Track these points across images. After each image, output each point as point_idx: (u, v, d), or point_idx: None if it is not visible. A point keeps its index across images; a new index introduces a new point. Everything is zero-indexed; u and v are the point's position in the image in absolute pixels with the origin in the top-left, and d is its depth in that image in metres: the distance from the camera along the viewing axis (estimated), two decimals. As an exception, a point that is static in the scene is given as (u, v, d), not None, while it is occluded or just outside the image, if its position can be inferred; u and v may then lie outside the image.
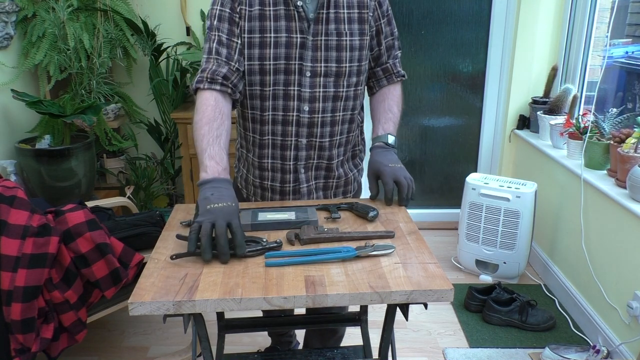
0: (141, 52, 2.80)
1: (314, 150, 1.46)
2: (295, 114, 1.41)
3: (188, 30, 2.91)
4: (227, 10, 1.36)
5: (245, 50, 1.37)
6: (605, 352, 2.01)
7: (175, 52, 2.88)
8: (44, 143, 2.37)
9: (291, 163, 1.47)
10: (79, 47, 2.45)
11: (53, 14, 2.43)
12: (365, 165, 1.65)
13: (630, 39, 2.90)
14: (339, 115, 1.45)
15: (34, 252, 1.59)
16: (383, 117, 1.50)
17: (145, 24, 2.73)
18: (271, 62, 1.37)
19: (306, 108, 1.41)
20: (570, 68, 2.83)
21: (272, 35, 1.36)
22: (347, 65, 1.40)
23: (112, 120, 2.76)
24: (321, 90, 1.40)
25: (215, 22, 1.37)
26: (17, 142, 2.38)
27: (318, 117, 1.42)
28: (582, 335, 2.29)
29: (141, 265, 1.87)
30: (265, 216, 1.30)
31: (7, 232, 1.58)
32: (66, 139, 2.42)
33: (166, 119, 2.91)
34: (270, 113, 1.42)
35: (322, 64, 1.38)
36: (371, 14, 1.42)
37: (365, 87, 1.56)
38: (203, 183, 1.19)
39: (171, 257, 1.12)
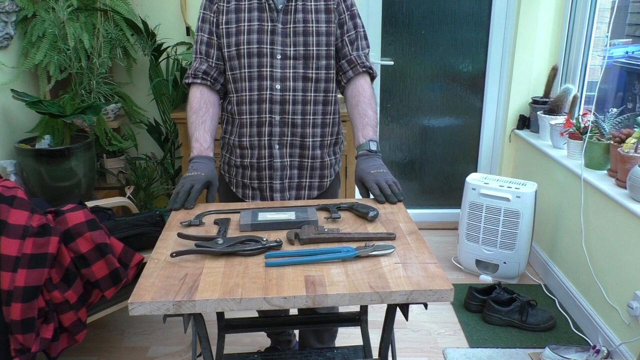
0: (141, 52, 2.80)
1: (287, 127, 1.58)
2: (268, 92, 1.55)
3: (188, 30, 2.91)
4: (208, 12, 1.58)
5: (225, 40, 1.56)
6: (605, 352, 2.01)
7: (175, 52, 2.88)
8: (44, 143, 2.37)
9: (265, 139, 1.59)
10: (79, 47, 2.45)
11: (53, 14, 2.43)
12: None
13: (630, 39, 2.89)
14: (310, 96, 1.57)
15: (34, 252, 1.59)
16: (360, 123, 1.57)
17: (145, 24, 2.73)
18: (245, 47, 1.53)
19: (278, 86, 1.54)
20: (570, 68, 2.83)
21: (246, 24, 1.54)
22: (315, 48, 1.54)
23: (112, 120, 2.76)
24: (291, 71, 1.54)
25: (199, 24, 1.61)
26: (17, 142, 2.38)
27: (289, 95, 1.55)
28: (582, 335, 2.29)
29: (141, 265, 1.87)
30: (265, 216, 1.30)
31: (7, 232, 1.58)
32: (66, 139, 2.42)
33: (166, 119, 2.91)
34: (247, 93, 1.57)
35: (292, 48, 1.54)
36: (335, 6, 1.57)
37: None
38: (189, 160, 1.51)
39: (171, 255, 1.13)
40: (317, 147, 1.62)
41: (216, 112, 1.61)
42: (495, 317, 2.38)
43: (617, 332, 2.09)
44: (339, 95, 1.68)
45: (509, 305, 2.37)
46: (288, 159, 1.61)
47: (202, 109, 1.58)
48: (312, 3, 1.55)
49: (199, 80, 1.59)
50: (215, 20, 1.57)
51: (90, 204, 1.96)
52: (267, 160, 1.60)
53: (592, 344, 2.09)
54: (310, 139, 1.60)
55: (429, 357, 2.19)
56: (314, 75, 1.56)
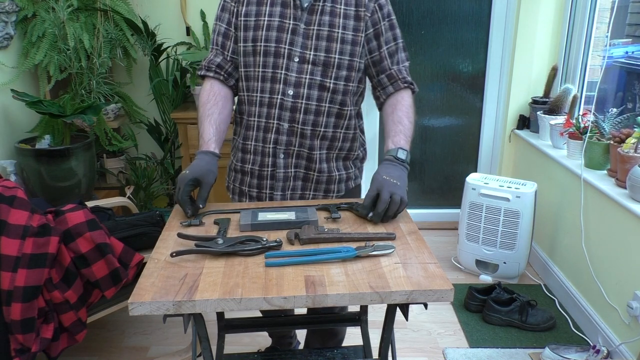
0: (141, 52, 2.80)
1: (295, 136, 1.48)
2: (279, 96, 1.45)
3: (188, 30, 2.91)
4: (228, 0, 1.49)
5: (242, 33, 1.46)
6: (605, 352, 2.01)
7: (175, 52, 2.88)
8: (44, 143, 2.37)
9: (271, 146, 1.49)
10: (79, 47, 2.45)
11: (53, 14, 2.43)
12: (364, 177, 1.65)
13: (630, 39, 2.90)
14: (325, 106, 1.46)
15: (34, 252, 1.59)
16: (393, 130, 1.45)
17: (145, 24, 2.73)
18: (262, 44, 1.43)
19: (290, 92, 1.44)
20: (570, 68, 2.83)
21: (266, 18, 1.43)
22: (337, 56, 1.43)
23: (112, 120, 2.76)
24: (308, 77, 1.44)
25: (219, 12, 1.51)
26: (17, 142, 2.38)
27: (301, 103, 1.45)
28: (582, 335, 2.29)
29: (141, 265, 1.87)
30: (265, 216, 1.30)
31: (7, 232, 1.58)
32: (66, 139, 2.42)
33: (166, 119, 2.91)
34: (258, 94, 1.48)
35: (312, 52, 1.43)
36: (369, 15, 1.45)
37: (364, 96, 1.57)
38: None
39: (171, 255, 1.13)
40: (324, 161, 1.52)
41: (226, 105, 1.51)
42: (495, 317, 2.38)
43: (617, 332, 2.09)
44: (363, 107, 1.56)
45: (509, 305, 2.37)
46: (293, 170, 1.51)
47: (209, 101, 1.49)
48: (342, 7, 1.43)
49: (211, 74, 1.51)
50: (235, 10, 1.47)
51: (90, 204, 1.96)
52: (269, 169, 1.51)
53: (592, 344, 2.09)
54: (318, 152, 1.50)
55: (429, 357, 2.19)
56: (331, 85, 1.45)
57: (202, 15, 2.89)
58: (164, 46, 2.81)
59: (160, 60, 2.82)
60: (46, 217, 1.68)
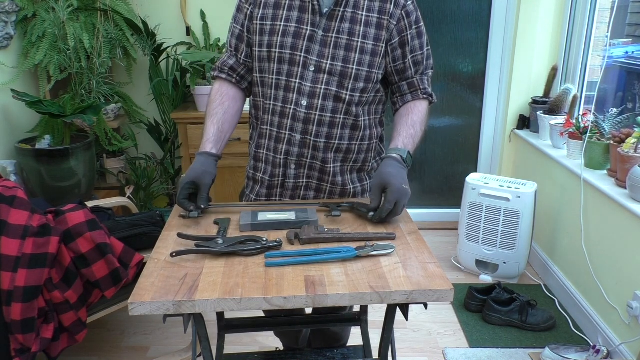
0: (141, 52, 2.80)
1: (307, 148, 1.43)
2: (292, 107, 1.40)
3: (188, 30, 2.91)
4: (244, 1, 1.45)
5: (257, 37, 1.41)
6: (605, 352, 2.01)
7: (175, 52, 2.88)
8: (44, 143, 2.37)
9: (282, 157, 1.44)
10: (79, 47, 2.45)
11: (53, 14, 2.43)
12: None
13: (630, 39, 2.89)
14: (339, 118, 1.41)
15: (34, 252, 1.59)
16: (405, 131, 1.42)
17: (145, 24, 2.73)
18: (277, 50, 1.38)
19: (304, 103, 1.38)
20: (570, 68, 2.83)
21: (283, 23, 1.38)
22: (354, 67, 1.37)
23: (112, 120, 2.76)
24: (323, 87, 1.38)
25: (235, 13, 1.47)
26: (17, 142, 2.38)
27: (315, 114, 1.39)
28: (582, 335, 2.29)
29: (141, 265, 1.87)
30: (265, 216, 1.30)
31: (7, 232, 1.58)
32: (66, 139, 2.42)
33: (166, 119, 2.91)
34: (271, 102, 1.43)
35: (328, 61, 1.37)
36: (395, 23, 1.40)
37: (378, 102, 1.53)
38: None
39: (171, 255, 1.13)
40: (338, 174, 1.47)
41: (233, 105, 1.48)
42: (495, 317, 2.38)
43: (617, 332, 2.09)
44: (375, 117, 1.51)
45: (509, 305, 2.37)
46: (304, 180, 1.47)
47: (215, 101, 1.46)
48: (364, 14, 1.37)
49: (224, 76, 1.49)
50: (250, 12, 1.42)
51: (90, 204, 1.96)
52: (280, 178, 1.47)
53: (592, 344, 2.09)
54: (332, 165, 1.45)
55: (429, 357, 2.19)
56: (347, 96, 1.39)
57: (202, 15, 2.89)
58: (164, 46, 2.81)
59: (160, 60, 2.82)
60: (46, 217, 1.68)
